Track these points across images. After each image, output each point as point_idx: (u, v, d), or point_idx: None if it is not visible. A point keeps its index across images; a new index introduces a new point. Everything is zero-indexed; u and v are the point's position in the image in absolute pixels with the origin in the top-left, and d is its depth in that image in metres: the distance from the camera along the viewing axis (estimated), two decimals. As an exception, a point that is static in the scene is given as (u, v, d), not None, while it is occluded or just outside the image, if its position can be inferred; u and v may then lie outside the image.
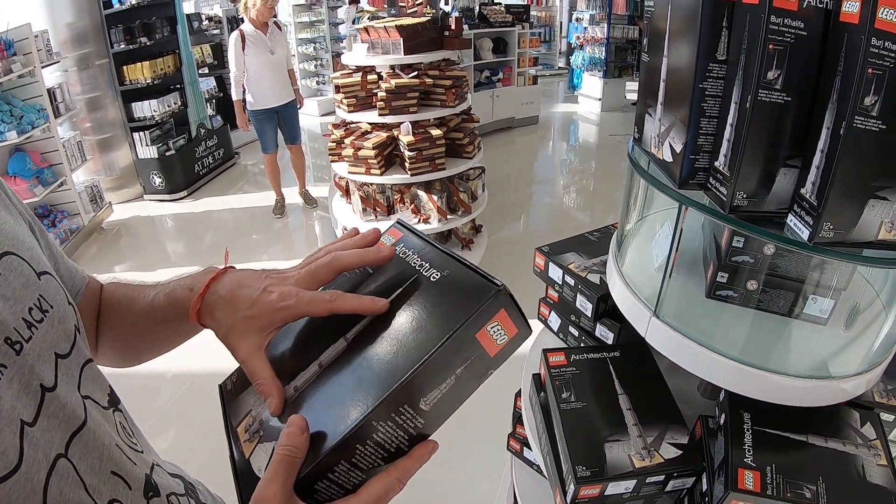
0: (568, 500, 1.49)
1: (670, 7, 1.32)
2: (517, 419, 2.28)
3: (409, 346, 0.81)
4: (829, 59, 1.07)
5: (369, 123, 5.33)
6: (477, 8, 11.75)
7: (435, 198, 5.18)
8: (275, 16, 6.99)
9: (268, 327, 0.91)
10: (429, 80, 5.09)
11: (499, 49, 11.51)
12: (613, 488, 1.47)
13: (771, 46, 1.07)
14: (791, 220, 1.20)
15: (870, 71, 0.95)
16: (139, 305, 1.11)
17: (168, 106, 8.63)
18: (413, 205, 5.33)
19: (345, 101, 5.17)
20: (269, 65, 6.98)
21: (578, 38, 14.48)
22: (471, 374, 0.83)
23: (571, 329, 2.06)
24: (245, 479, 0.86)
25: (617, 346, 1.85)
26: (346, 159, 5.22)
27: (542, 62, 16.14)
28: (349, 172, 5.28)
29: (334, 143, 5.45)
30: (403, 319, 0.86)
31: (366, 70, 5.32)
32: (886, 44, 0.93)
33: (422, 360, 0.78)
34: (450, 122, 5.42)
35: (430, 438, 0.87)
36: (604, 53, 13.47)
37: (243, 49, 6.81)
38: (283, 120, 7.48)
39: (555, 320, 2.15)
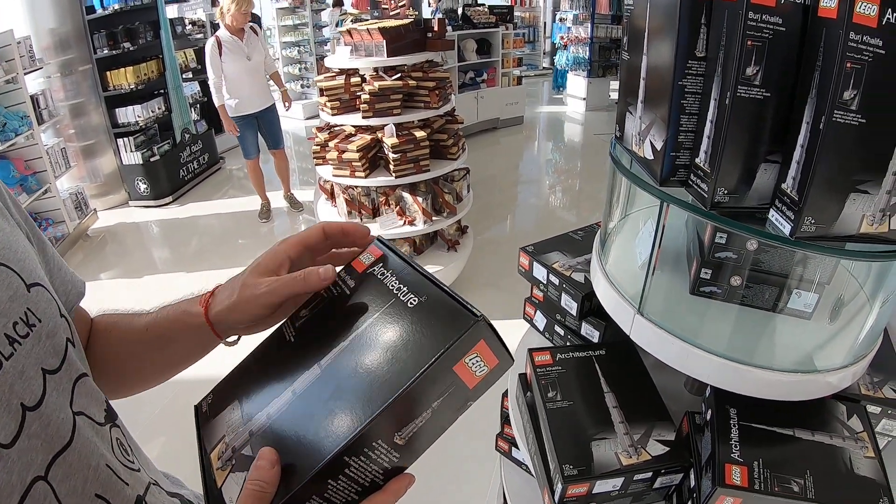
0: (556, 500, 1.49)
1: (649, 5, 1.33)
2: (505, 419, 2.28)
3: (384, 377, 0.80)
4: (807, 54, 1.07)
5: (353, 126, 5.32)
6: (460, 9, 11.75)
7: (420, 199, 5.17)
8: (254, 20, 6.93)
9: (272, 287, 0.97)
10: (412, 82, 5.08)
11: (483, 50, 11.52)
12: (601, 486, 1.47)
13: (749, 42, 1.07)
14: (773, 215, 1.20)
15: (848, 65, 0.96)
16: (136, 327, 1.11)
17: (152, 111, 8.60)
18: (398, 207, 5.32)
19: (328, 103, 5.16)
20: (247, 70, 6.97)
21: (562, 38, 14.53)
22: (448, 407, 0.82)
23: (557, 328, 2.06)
24: None
25: (602, 345, 1.85)
26: (330, 162, 5.21)
27: (526, 63, 16.14)
28: (334, 175, 5.26)
29: (318, 147, 5.44)
30: (379, 348, 0.84)
31: (349, 73, 5.30)
32: (864, 38, 0.94)
33: (395, 395, 0.77)
34: (434, 123, 5.41)
35: (406, 472, 0.87)
36: (588, 53, 13.51)
37: (220, 55, 6.80)
38: (263, 125, 7.46)
39: (540, 319, 2.15)
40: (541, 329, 2.17)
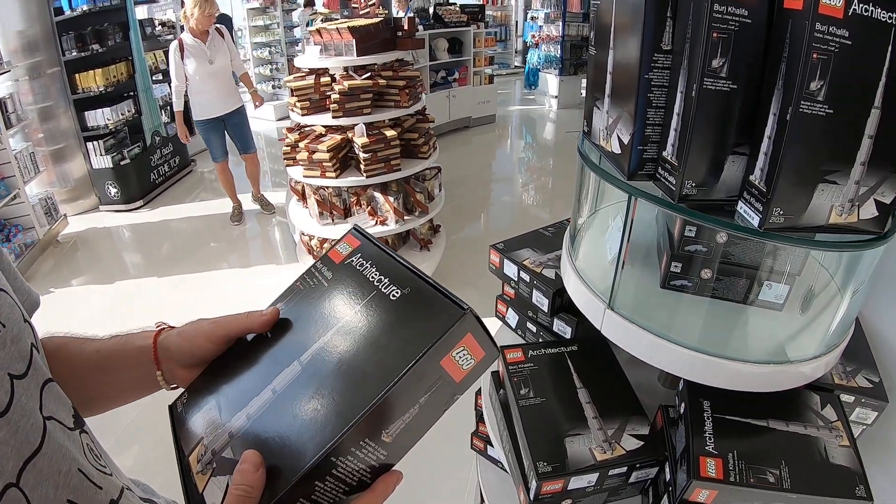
0: (531, 497, 1.49)
1: (615, 0, 1.33)
2: (479, 417, 2.28)
3: (368, 375, 0.79)
4: (773, 45, 1.07)
5: (323, 126, 5.32)
6: (432, 8, 11.76)
7: (391, 199, 5.17)
8: (224, 22, 6.81)
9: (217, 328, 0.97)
10: (382, 81, 5.08)
11: (454, 49, 11.52)
12: (576, 482, 1.47)
13: (715, 35, 1.08)
14: (741, 207, 1.21)
15: (815, 56, 0.96)
16: (86, 350, 1.09)
17: (122, 114, 8.50)
18: (370, 207, 5.31)
19: (298, 104, 5.15)
20: (210, 74, 6.87)
21: (534, 36, 14.57)
22: (435, 401, 0.81)
23: (529, 325, 2.06)
24: None
25: (574, 341, 1.85)
26: (301, 163, 5.20)
27: (498, 61, 16.19)
28: (304, 176, 5.26)
29: (289, 147, 5.43)
30: (362, 343, 0.83)
31: (319, 72, 5.29)
32: (831, 29, 0.94)
33: (382, 393, 0.76)
34: (404, 122, 5.41)
35: (394, 469, 0.86)
36: (559, 51, 13.55)
37: (182, 59, 6.75)
38: (230, 128, 7.38)
39: (512, 317, 2.15)
40: (513, 326, 2.17)
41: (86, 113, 8.18)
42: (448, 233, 6.38)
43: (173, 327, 1.06)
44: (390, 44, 5.47)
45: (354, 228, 1.03)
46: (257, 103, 7.62)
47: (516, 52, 18.77)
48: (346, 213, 5.51)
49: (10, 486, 0.72)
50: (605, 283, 1.51)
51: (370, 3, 5.94)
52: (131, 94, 8.90)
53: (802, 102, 1.00)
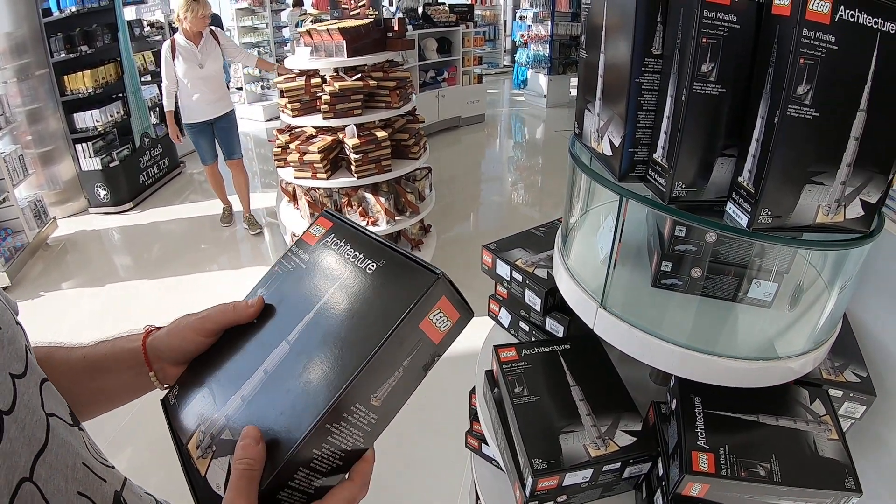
0: (527, 493, 1.51)
1: (606, 4, 1.35)
2: (473, 416, 2.30)
3: (353, 344, 0.82)
4: (762, 50, 1.10)
5: (314, 127, 5.31)
6: (421, 8, 11.75)
7: (382, 199, 5.18)
8: (213, 22, 6.69)
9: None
10: (373, 82, 5.07)
11: (443, 49, 11.52)
12: (571, 478, 1.49)
13: (704, 40, 1.10)
14: (730, 207, 1.23)
15: (801, 61, 0.98)
16: (73, 357, 1.10)
17: (111, 115, 8.47)
18: (361, 207, 5.32)
19: (289, 105, 5.15)
20: (200, 77, 6.77)
21: (523, 35, 14.56)
22: (417, 362, 0.85)
23: (522, 324, 2.08)
24: (205, 498, 0.85)
25: (567, 339, 1.87)
26: (291, 164, 5.20)
27: (487, 61, 16.17)
28: (295, 178, 5.26)
29: (280, 149, 5.42)
30: (343, 316, 0.87)
31: (309, 74, 5.29)
32: (817, 34, 0.96)
33: (368, 359, 0.79)
34: (395, 123, 5.41)
35: (365, 456, 0.89)
36: (548, 51, 13.55)
37: (173, 59, 6.68)
38: (217, 132, 7.25)
39: (505, 316, 2.17)
40: (505, 325, 2.19)
41: (74, 115, 8.15)
42: (438, 232, 6.38)
43: (160, 328, 1.08)
44: (380, 44, 5.47)
45: (325, 211, 1.06)
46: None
47: (505, 51, 18.77)
48: (338, 214, 5.47)
49: (25, 480, 0.74)
50: (597, 283, 1.53)
51: (360, 3, 5.94)
52: (120, 95, 8.87)
53: (790, 106, 1.02)
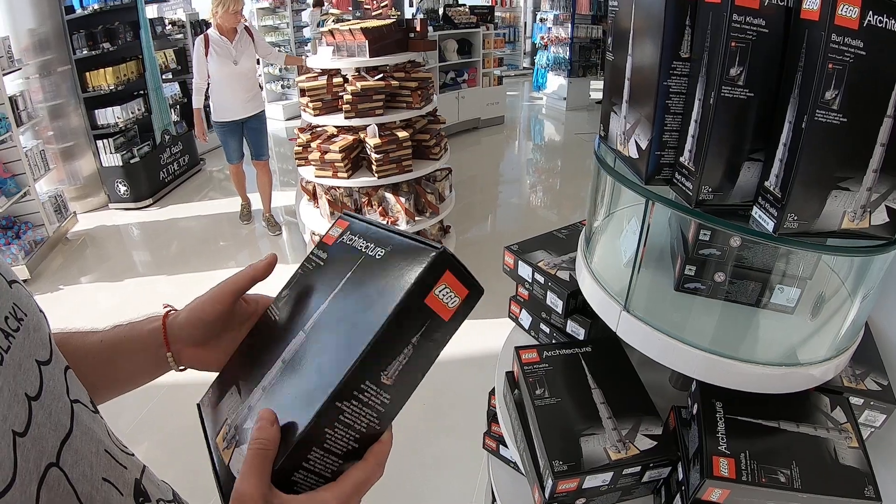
0: (546, 496, 1.51)
1: (634, 6, 1.34)
2: (492, 417, 2.29)
3: (361, 324, 0.83)
4: (790, 55, 1.09)
5: (335, 127, 5.32)
6: (441, 9, 11.76)
7: (402, 199, 5.18)
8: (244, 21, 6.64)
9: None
10: (395, 82, 5.08)
11: (463, 50, 11.52)
12: (591, 481, 1.49)
13: (733, 44, 1.09)
14: (756, 212, 1.22)
15: (830, 66, 0.98)
16: (89, 341, 1.11)
17: (132, 112, 8.53)
18: (381, 207, 5.32)
19: (310, 104, 5.16)
20: (234, 75, 6.66)
21: (543, 38, 14.55)
22: (428, 340, 0.85)
23: (542, 326, 2.08)
24: (227, 484, 0.86)
25: (588, 342, 1.87)
26: (312, 163, 5.21)
27: (506, 63, 16.18)
28: (316, 176, 5.26)
29: (300, 148, 5.42)
30: (354, 300, 0.88)
31: (331, 73, 5.29)
32: (846, 40, 0.96)
33: (374, 335, 0.80)
34: (416, 123, 5.41)
35: (382, 439, 0.89)
36: (568, 53, 13.54)
37: (206, 55, 6.53)
38: (247, 132, 7.16)
39: (526, 318, 2.17)
40: (526, 327, 2.18)
41: (96, 111, 8.22)
42: (457, 233, 6.38)
43: (179, 310, 1.09)
44: (402, 45, 5.47)
45: (344, 213, 1.08)
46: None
47: (525, 53, 18.75)
48: (358, 213, 5.45)
49: (52, 465, 0.75)
50: (621, 285, 1.53)
51: (382, 4, 5.95)
52: (141, 92, 8.92)
53: (818, 111, 1.02)
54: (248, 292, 1.10)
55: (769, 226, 1.17)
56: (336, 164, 5.05)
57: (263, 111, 7.25)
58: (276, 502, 0.77)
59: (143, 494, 0.93)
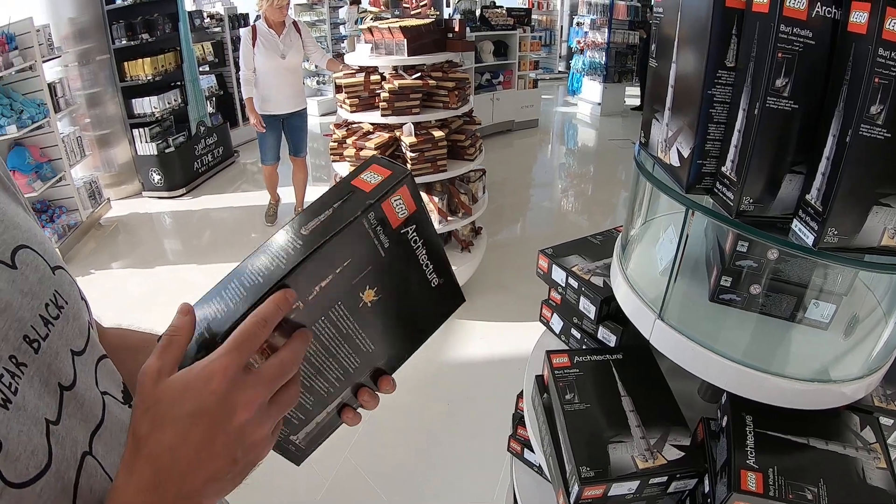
0: (571, 501, 1.50)
1: (680, 14, 1.34)
2: (518, 421, 2.29)
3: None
4: (836, 67, 1.09)
5: (371, 124, 5.31)
6: (479, 10, 11.76)
7: (436, 199, 5.17)
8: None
9: None
10: (432, 82, 5.08)
11: (499, 52, 11.52)
12: (617, 489, 1.49)
13: (780, 55, 1.09)
14: (796, 225, 1.22)
15: (876, 80, 0.97)
16: (148, 339, 1.12)
17: (168, 103, 8.63)
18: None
19: (347, 101, 5.16)
20: (279, 69, 6.62)
21: (579, 42, 14.49)
22: (346, 204, 0.82)
23: (573, 331, 2.08)
24: None
25: (620, 349, 1.86)
26: (347, 159, 5.21)
27: (542, 66, 16.14)
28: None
29: (336, 143, 5.42)
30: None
31: (369, 70, 5.29)
32: (893, 54, 0.95)
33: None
34: (452, 123, 5.41)
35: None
36: (604, 58, 13.46)
37: (253, 46, 6.49)
38: (288, 129, 7.13)
39: (557, 322, 2.16)
40: (557, 332, 2.18)
41: (133, 100, 8.33)
42: (487, 234, 6.38)
43: None
44: (440, 45, 5.45)
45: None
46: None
47: (560, 57, 18.70)
48: (390, 210, 5.46)
49: (86, 454, 0.76)
50: (656, 293, 1.53)
51: (421, 3, 5.95)
52: (178, 83, 9.02)
53: (862, 125, 1.01)
54: None
55: (809, 239, 1.16)
56: (371, 161, 5.00)
57: (306, 109, 7.24)
58: (166, 377, 0.72)
59: None
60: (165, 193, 8.77)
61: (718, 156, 1.32)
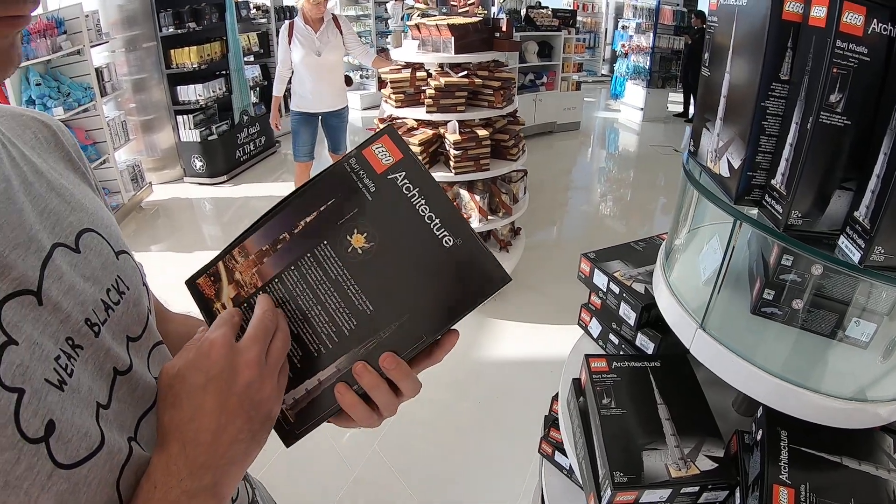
0: (601, 505, 1.51)
1: (735, 24, 1.34)
2: (551, 423, 2.30)
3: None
4: (890, 85, 1.08)
5: (416, 120, 5.32)
6: (524, 10, 11.74)
7: (477, 198, 5.17)
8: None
9: None
10: (478, 81, 5.08)
11: (543, 53, 11.50)
12: (648, 496, 1.49)
13: (834, 70, 1.09)
14: (843, 241, 1.21)
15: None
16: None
17: (213, 91, 8.75)
18: (455, 203, 5.30)
19: (393, 96, 5.19)
20: (315, 66, 6.36)
21: (623, 45, 14.44)
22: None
23: (612, 336, 2.08)
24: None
25: (658, 357, 1.86)
26: (391, 154, 5.17)
27: (585, 68, 16.08)
28: (393, 167, 5.19)
29: (380, 138, 5.44)
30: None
31: (415, 66, 5.32)
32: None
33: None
34: (496, 123, 5.42)
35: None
36: (648, 63, 13.41)
37: (289, 43, 6.31)
38: (326, 127, 6.85)
39: (595, 327, 2.16)
40: (595, 336, 2.18)
41: (178, 87, 8.46)
42: (525, 235, 6.37)
43: None
44: (487, 44, 5.44)
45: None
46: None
47: (604, 59, 18.61)
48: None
49: (131, 439, 0.77)
50: (698, 303, 1.53)
51: (469, 1, 5.95)
52: (223, 72, 9.15)
53: (916, 144, 1.01)
54: None
55: (855, 257, 1.16)
56: (415, 157, 5.00)
57: (346, 108, 6.92)
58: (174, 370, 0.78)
59: None
60: (207, 180, 8.89)
61: (769, 168, 1.32)
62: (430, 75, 5.15)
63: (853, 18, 1.05)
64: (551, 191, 9.15)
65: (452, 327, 0.85)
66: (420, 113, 5.09)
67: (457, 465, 3.78)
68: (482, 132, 4.96)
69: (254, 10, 10.65)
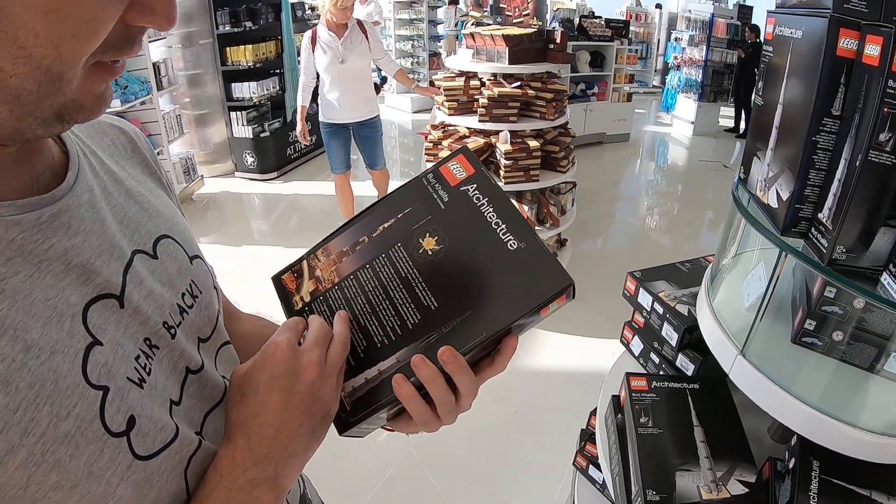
0: (634, 522, 1.53)
1: (789, 56, 1.35)
2: (588, 437, 2.32)
3: None
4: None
5: (468, 128, 5.38)
6: (577, 20, 11.71)
7: (525, 208, 5.19)
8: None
9: None
10: (531, 92, 5.11)
11: (595, 63, 11.45)
12: (679, 516, 1.50)
13: (886, 109, 1.09)
14: (885, 278, 1.22)
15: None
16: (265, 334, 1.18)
17: (266, 89, 8.89)
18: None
19: (446, 103, 5.23)
20: (340, 74, 6.01)
21: (676, 58, 14.31)
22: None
23: (653, 356, 2.10)
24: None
25: (697, 378, 1.88)
26: (442, 160, 5.20)
27: (636, 79, 15.98)
28: (444, 174, 5.20)
29: (431, 144, 5.47)
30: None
31: (469, 75, 5.36)
32: None
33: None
34: (547, 134, 5.43)
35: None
36: (700, 76, 13.26)
37: (313, 52, 6.01)
38: (358, 140, 6.49)
39: (637, 345, 2.18)
40: (636, 354, 2.20)
41: (232, 84, 8.61)
42: (570, 245, 6.36)
43: None
44: (541, 55, 5.45)
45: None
46: (431, 95, 6.16)
47: (655, 71, 18.46)
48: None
49: (197, 433, 0.82)
50: (739, 328, 1.54)
51: (524, 12, 5.96)
52: (277, 71, 9.28)
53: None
54: None
55: (897, 294, 1.17)
56: (466, 165, 5.02)
57: (377, 117, 6.48)
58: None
59: None
60: (257, 176, 9.03)
61: (816, 202, 1.33)
62: (483, 84, 5.18)
63: (907, 58, 1.07)
64: (599, 202, 9.11)
65: (513, 335, 0.89)
66: (472, 121, 5.14)
67: (489, 471, 3.80)
68: (533, 143, 4.98)
69: (308, 11, 10.72)
